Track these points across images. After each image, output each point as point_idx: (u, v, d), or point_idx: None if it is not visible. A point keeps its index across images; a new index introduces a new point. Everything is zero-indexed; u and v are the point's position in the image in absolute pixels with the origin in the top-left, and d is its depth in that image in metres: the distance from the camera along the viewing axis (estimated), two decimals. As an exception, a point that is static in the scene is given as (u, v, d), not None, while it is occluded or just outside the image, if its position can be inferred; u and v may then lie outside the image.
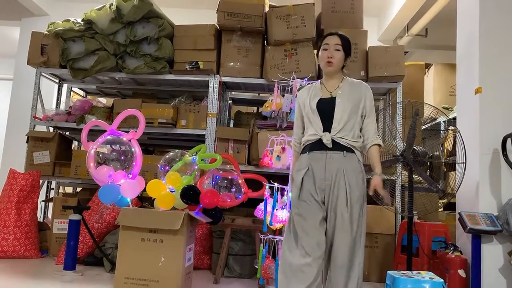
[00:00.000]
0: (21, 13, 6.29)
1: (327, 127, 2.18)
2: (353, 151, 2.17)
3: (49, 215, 4.44)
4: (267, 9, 3.96)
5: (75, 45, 4.09)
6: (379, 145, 2.25)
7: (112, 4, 3.95)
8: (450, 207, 3.84)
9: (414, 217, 2.97)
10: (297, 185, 2.19)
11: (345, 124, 2.16)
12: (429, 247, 3.13)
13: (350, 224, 2.07)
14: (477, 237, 2.79)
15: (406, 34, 6.06)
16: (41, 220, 4.38)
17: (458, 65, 3.45)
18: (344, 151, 2.15)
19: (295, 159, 2.38)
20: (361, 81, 2.35)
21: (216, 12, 3.95)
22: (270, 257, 2.76)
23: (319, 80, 2.38)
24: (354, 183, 2.11)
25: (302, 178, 2.16)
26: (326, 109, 2.20)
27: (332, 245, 2.09)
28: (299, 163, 2.25)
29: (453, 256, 2.85)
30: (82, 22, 4.07)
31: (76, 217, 3.16)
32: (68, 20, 4.18)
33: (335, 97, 2.22)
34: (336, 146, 2.15)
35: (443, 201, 3.83)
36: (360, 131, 2.25)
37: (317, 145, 2.18)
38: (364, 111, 2.24)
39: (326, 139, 2.14)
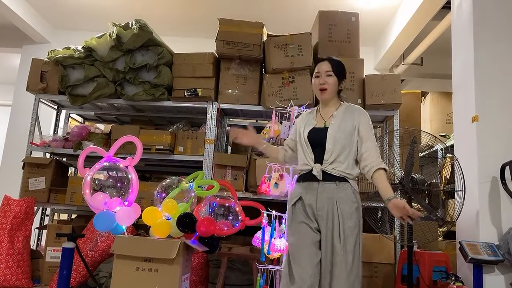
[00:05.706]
0: (22, 40, 6.42)
1: (318, 158, 2.14)
2: (346, 181, 2.11)
3: (43, 242, 4.36)
4: (265, 38, 4.03)
5: (75, 72, 4.11)
6: (385, 169, 2.07)
7: (113, 32, 4.01)
8: (450, 235, 3.79)
9: (414, 246, 2.93)
10: (289, 214, 2.20)
11: (337, 155, 2.11)
12: (429, 277, 3.07)
13: (345, 256, 2.00)
14: (479, 267, 2.74)
15: (402, 63, 6.16)
16: (34, 248, 4.29)
17: (454, 94, 3.48)
18: (337, 181, 2.10)
19: (273, 149, 2.57)
20: (358, 106, 2.28)
21: (215, 41, 4.01)
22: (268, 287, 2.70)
23: (317, 107, 2.35)
24: (347, 212, 2.05)
25: (295, 207, 2.16)
26: (317, 139, 2.16)
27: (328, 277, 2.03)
28: (293, 192, 2.25)
29: (455, 287, 2.79)
30: (82, 50, 4.12)
31: (69, 245, 3.08)
32: (68, 48, 4.23)
33: (328, 127, 2.17)
34: (328, 176, 2.11)
35: (443, 230, 3.78)
36: (357, 161, 2.16)
37: (309, 176, 2.15)
38: (358, 138, 2.15)
39: (316, 171, 2.11)
